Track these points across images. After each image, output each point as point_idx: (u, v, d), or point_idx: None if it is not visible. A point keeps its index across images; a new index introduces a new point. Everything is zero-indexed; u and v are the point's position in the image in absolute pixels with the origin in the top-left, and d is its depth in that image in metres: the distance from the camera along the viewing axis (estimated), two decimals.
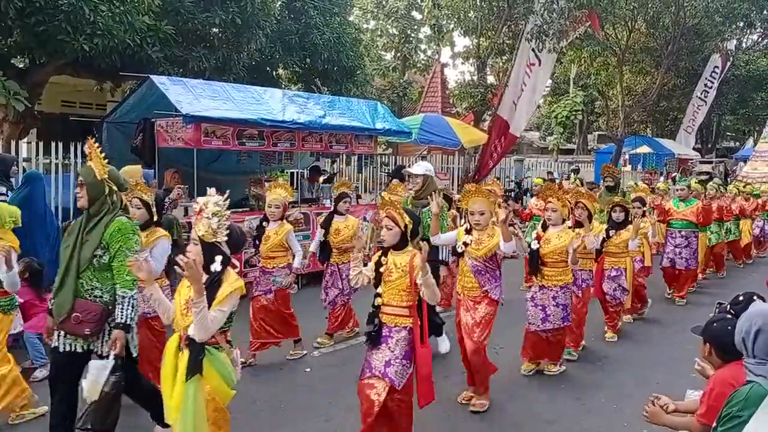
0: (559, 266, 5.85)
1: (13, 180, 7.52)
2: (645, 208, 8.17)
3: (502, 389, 5.80)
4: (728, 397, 2.90)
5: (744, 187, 14.33)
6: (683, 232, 9.37)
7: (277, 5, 11.95)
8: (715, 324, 3.33)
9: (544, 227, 5.98)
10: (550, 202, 5.94)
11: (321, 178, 11.64)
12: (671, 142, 25.50)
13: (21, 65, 10.56)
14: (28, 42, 8.80)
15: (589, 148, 33.22)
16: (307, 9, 13.06)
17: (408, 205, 5.96)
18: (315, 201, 10.51)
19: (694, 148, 27.31)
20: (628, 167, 23.87)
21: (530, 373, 6.18)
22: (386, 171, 15.56)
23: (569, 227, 6.10)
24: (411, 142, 13.79)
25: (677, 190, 9.81)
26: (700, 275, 10.87)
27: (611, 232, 7.18)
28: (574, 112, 24.13)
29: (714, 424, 2.95)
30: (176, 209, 7.93)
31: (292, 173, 10.87)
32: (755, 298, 3.49)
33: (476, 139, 14.92)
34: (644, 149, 24.02)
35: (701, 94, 24.41)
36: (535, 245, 5.91)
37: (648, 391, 5.39)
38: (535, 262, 5.93)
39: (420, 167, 6.23)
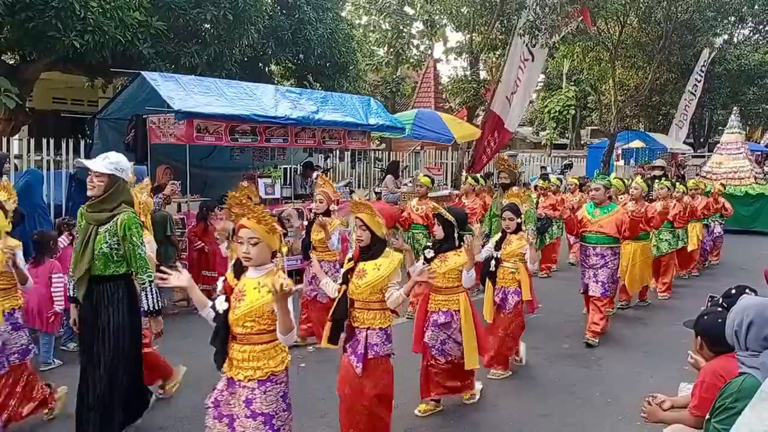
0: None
1: (5, 177, 7.49)
2: (519, 220, 5.93)
3: (497, 384, 5.82)
4: (721, 390, 2.93)
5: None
6: (598, 249, 6.97)
7: (269, 0, 11.90)
8: (706, 317, 3.35)
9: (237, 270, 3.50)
10: (243, 226, 3.33)
11: (314, 174, 11.62)
12: (664, 137, 25.60)
13: (11, 62, 10.50)
14: (18, 38, 8.74)
15: (582, 142, 33.33)
16: (300, 4, 13.02)
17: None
18: (308, 197, 10.49)
19: (686, 143, 27.41)
20: (621, 162, 23.94)
21: None
22: (380, 167, 15.55)
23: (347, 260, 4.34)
24: (404, 138, 13.79)
25: (592, 189, 7.35)
26: (656, 283, 9.37)
27: (429, 255, 4.96)
28: (566, 107, 24.16)
29: (708, 416, 2.97)
30: (169, 205, 7.90)
31: (285, 169, 10.84)
32: (747, 291, 3.52)
33: (469, 134, 14.92)
34: (637, 144, 24.11)
35: (692, 88, 24.48)
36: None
37: (642, 385, 5.45)
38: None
39: (104, 163, 4.14)
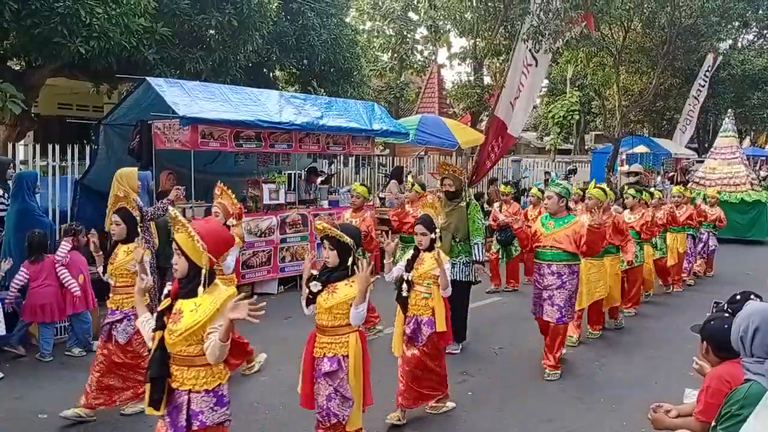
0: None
1: (10, 182, 7.53)
2: (434, 235, 5.03)
3: (502, 389, 5.81)
4: (727, 396, 2.91)
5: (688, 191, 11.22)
6: (554, 267, 6.04)
7: (274, 6, 11.94)
8: (712, 322, 3.35)
9: None
10: None
11: (318, 179, 11.65)
12: (668, 142, 25.57)
13: (17, 68, 10.55)
14: (24, 44, 8.78)
15: (586, 148, 33.29)
16: (304, 10, 13.05)
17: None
18: (312, 202, 10.51)
19: (691, 148, 27.37)
20: (626, 167, 23.92)
21: None
22: (384, 172, 15.56)
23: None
24: (408, 143, 13.80)
25: (545, 198, 6.40)
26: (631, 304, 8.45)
27: (315, 288, 3.99)
28: (570, 112, 24.15)
29: (713, 423, 2.96)
30: None
31: (289, 174, 10.85)
32: (752, 297, 3.51)
33: (473, 139, 14.92)
34: (641, 149, 24.05)
35: (696, 93, 24.45)
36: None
37: (647, 391, 5.44)
38: None
39: None
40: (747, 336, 2.87)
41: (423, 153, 16.44)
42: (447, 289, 4.88)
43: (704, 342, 3.36)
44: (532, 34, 14.05)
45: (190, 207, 8.51)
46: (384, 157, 17.05)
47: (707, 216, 10.77)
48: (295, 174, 11.32)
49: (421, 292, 4.94)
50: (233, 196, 5.93)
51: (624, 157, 23.65)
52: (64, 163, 9.55)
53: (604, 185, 7.93)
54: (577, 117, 25.52)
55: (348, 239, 3.95)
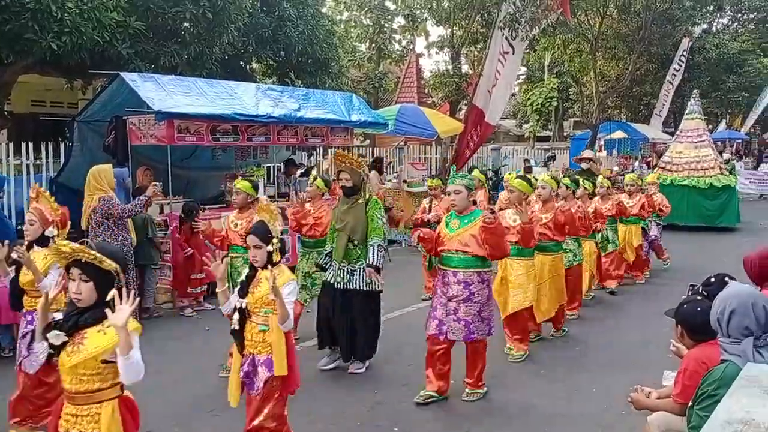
0: None
1: None
2: (270, 248, 3.88)
3: (485, 377, 5.83)
4: (704, 377, 2.96)
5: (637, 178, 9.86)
6: (460, 275, 4.97)
7: None
8: (685, 306, 3.40)
9: None
10: None
11: (297, 172, 11.60)
12: (645, 127, 25.83)
13: None
14: None
15: (565, 134, 33.50)
16: (280, 1, 12.97)
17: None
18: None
19: (668, 132, 27.71)
20: (604, 152, 24.13)
21: None
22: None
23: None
24: (387, 133, 13.80)
25: (452, 192, 5.12)
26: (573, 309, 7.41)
27: (57, 340, 2.86)
28: (549, 99, 24.32)
29: (691, 403, 3.01)
30: (151, 207, 7.84)
31: (268, 167, 10.80)
32: (727, 279, 3.56)
33: (452, 128, 14.96)
34: (619, 134, 24.28)
35: (670, 77, 24.68)
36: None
37: (627, 374, 5.50)
38: None
39: None
40: (723, 318, 2.92)
41: (402, 143, 16.44)
42: (286, 322, 3.70)
43: (679, 325, 3.41)
44: (508, 21, 14.09)
45: (168, 203, 8.44)
46: (363, 148, 17.04)
47: (655, 205, 9.63)
48: (273, 167, 11.26)
49: (257, 323, 3.77)
50: (53, 199, 4.68)
51: (602, 142, 23.86)
52: (38, 162, 9.45)
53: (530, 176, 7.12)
54: (555, 104, 25.71)
55: (111, 264, 2.75)
